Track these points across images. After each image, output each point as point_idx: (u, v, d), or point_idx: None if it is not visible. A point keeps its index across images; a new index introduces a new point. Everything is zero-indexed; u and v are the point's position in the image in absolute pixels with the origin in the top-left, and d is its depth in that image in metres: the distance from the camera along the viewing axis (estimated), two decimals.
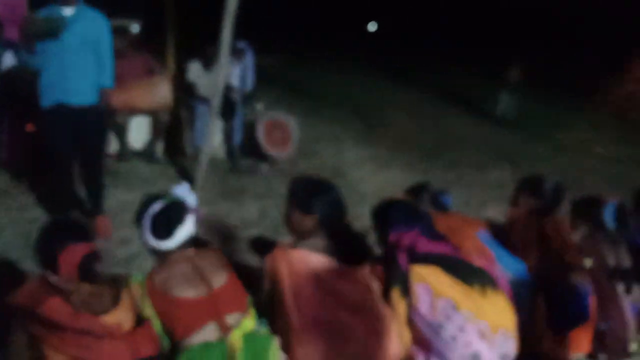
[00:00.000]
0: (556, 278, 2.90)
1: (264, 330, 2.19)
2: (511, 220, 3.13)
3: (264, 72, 6.79)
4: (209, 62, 5.46)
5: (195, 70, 5.57)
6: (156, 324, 2.10)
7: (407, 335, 2.25)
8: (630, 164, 7.31)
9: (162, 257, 2.22)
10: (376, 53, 13.99)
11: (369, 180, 5.68)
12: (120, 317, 2.05)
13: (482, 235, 2.83)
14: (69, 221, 2.39)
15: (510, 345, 2.24)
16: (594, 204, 3.28)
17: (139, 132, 5.40)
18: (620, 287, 3.06)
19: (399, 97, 9.81)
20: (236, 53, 5.65)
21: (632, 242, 3.22)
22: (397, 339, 2.23)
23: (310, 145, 6.38)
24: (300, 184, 2.45)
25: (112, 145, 5.17)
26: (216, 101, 4.62)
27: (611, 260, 3.08)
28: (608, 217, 3.22)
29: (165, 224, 2.18)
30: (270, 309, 2.28)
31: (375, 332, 2.18)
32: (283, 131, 5.88)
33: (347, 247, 2.31)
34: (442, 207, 3.06)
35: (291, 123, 5.93)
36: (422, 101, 9.74)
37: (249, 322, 2.16)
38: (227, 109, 5.48)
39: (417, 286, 2.23)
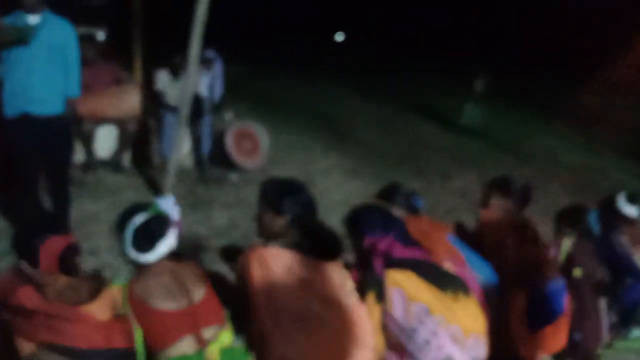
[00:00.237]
0: (531, 277, 2.97)
1: (240, 345, 2.19)
2: (484, 222, 3.18)
3: (233, 82, 6.78)
4: (177, 71, 5.44)
5: (163, 79, 5.54)
6: (137, 332, 2.08)
7: (381, 340, 2.28)
8: (594, 172, 7.54)
9: (141, 267, 2.20)
10: (344, 63, 14.10)
11: (337, 189, 5.72)
12: (94, 310, 2.03)
13: (452, 238, 2.89)
14: (49, 215, 2.39)
15: (481, 349, 2.29)
16: (579, 210, 3.36)
17: (105, 141, 5.33)
18: (603, 302, 3.14)
19: (366, 107, 9.91)
20: (205, 62, 5.63)
21: (605, 254, 3.29)
22: (371, 331, 2.24)
23: (280, 155, 6.39)
24: (272, 185, 2.47)
25: (78, 155, 5.09)
26: (185, 110, 4.60)
27: (598, 274, 3.15)
28: (593, 222, 3.30)
29: (148, 237, 2.16)
30: (242, 306, 2.28)
31: (348, 323, 2.19)
32: (252, 140, 5.88)
33: (319, 244, 2.33)
34: (413, 209, 3.09)
35: (260, 132, 5.93)
36: (390, 110, 9.85)
37: (226, 337, 2.16)
38: (196, 118, 5.46)
39: (392, 291, 2.27)
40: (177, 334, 2.06)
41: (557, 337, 2.90)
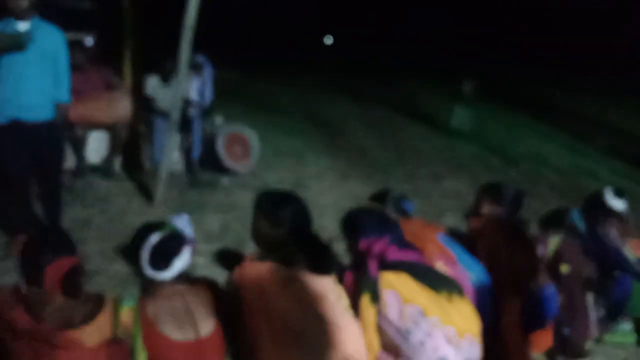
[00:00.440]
0: (524, 281, 3.00)
1: None
2: (476, 230, 3.20)
3: (223, 86, 6.79)
4: (167, 76, 5.44)
5: (153, 85, 5.54)
6: (142, 355, 2.08)
7: (376, 341, 2.30)
8: (582, 173, 7.61)
9: (152, 285, 2.20)
10: (333, 66, 14.15)
11: (328, 192, 5.74)
12: (84, 336, 2.03)
13: (442, 238, 2.92)
14: (56, 234, 2.37)
15: (476, 350, 2.31)
16: (562, 212, 3.40)
17: (96, 147, 5.32)
18: (590, 297, 3.17)
19: (356, 110, 9.95)
20: (195, 67, 5.64)
21: (594, 249, 3.33)
22: (364, 350, 2.26)
23: (271, 158, 6.41)
24: (267, 196, 2.48)
25: (69, 161, 5.07)
26: (175, 115, 4.62)
27: (585, 271, 3.17)
28: (577, 220, 3.33)
29: (164, 255, 2.17)
30: (233, 320, 2.29)
31: (342, 342, 2.21)
32: (243, 144, 5.90)
33: (315, 258, 2.35)
34: (404, 213, 3.12)
35: (251, 136, 5.95)
36: (380, 113, 9.90)
37: None
38: (186, 123, 5.47)
39: (386, 293, 2.28)
40: None
41: (546, 337, 2.95)
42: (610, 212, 3.53)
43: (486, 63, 12.30)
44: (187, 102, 5.42)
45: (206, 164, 5.80)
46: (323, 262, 2.34)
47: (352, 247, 2.60)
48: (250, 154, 5.90)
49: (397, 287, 2.27)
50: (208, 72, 6.06)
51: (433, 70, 13.86)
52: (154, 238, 2.19)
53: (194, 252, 2.38)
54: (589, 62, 12.69)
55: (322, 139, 7.76)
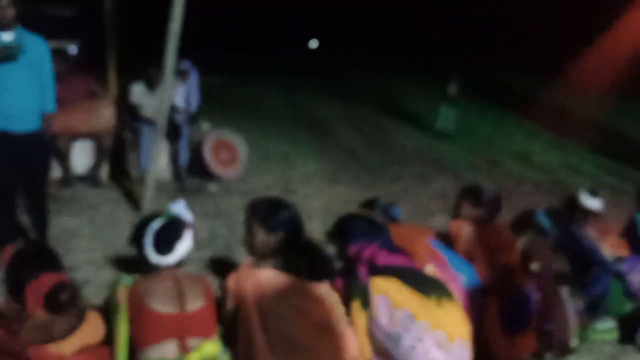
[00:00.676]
0: (504, 283, 3.04)
1: (225, 358, 2.21)
2: (456, 233, 3.24)
3: (209, 92, 6.79)
4: (152, 83, 5.43)
5: (139, 92, 5.52)
6: (124, 329, 2.14)
7: (367, 346, 2.31)
8: (564, 170, 7.69)
9: (153, 270, 2.29)
10: (319, 70, 14.18)
11: (317, 195, 5.75)
12: (64, 347, 2.04)
13: (432, 242, 2.94)
14: (40, 250, 2.38)
15: (466, 353, 2.32)
16: (528, 214, 3.47)
17: (82, 156, 5.29)
18: (565, 291, 3.19)
19: (343, 112, 9.98)
20: (180, 73, 5.64)
21: (570, 248, 3.39)
22: (357, 354, 2.28)
23: (258, 163, 6.41)
24: (261, 204, 2.50)
25: (55, 171, 5.04)
26: (161, 122, 4.61)
27: (556, 265, 3.21)
28: (542, 220, 3.40)
29: (167, 240, 2.27)
30: (231, 328, 2.30)
31: (338, 348, 2.23)
32: (230, 150, 5.89)
33: (310, 264, 2.37)
34: (392, 219, 3.16)
35: (238, 141, 5.95)
36: (366, 115, 9.93)
37: (210, 347, 2.19)
38: (172, 130, 5.45)
39: (377, 298, 2.30)
40: (161, 336, 2.12)
41: (532, 337, 2.98)
42: (587, 212, 3.62)
43: (471, 63, 12.38)
44: (173, 109, 5.41)
45: (194, 170, 5.78)
46: (320, 268, 2.37)
47: (342, 253, 2.62)
48: (238, 159, 5.90)
49: (387, 291, 2.29)
50: (194, 78, 6.05)
51: (418, 71, 13.94)
52: (156, 224, 2.29)
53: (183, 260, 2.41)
54: (571, 62, 12.85)
55: (309, 142, 7.78)
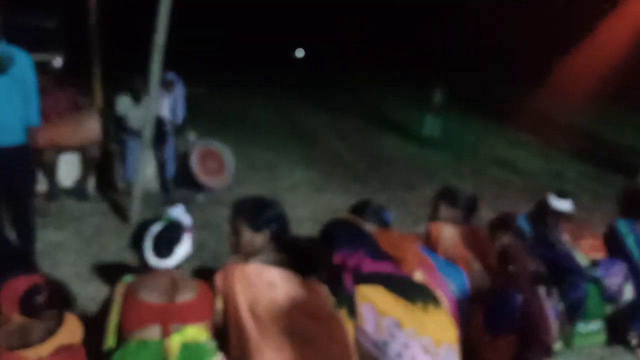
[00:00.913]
0: (489, 286, 3.07)
1: (211, 344, 2.22)
2: (436, 235, 3.28)
3: (194, 103, 6.80)
4: (138, 95, 5.42)
5: (124, 104, 5.51)
6: (114, 316, 2.19)
7: (355, 355, 2.32)
8: (547, 177, 7.79)
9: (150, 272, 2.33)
10: (305, 79, 14.23)
11: (304, 204, 5.77)
12: (41, 351, 2.03)
13: (422, 248, 2.97)
14: (13, 254, 2.37)
15: (453, 357, 2.35)
16: (508, 217, 3.50)
17: (68, 169, 5.26)
18: (542, 291, 3.22)
19: (329, 121, 10.03)
20: (165, 84, 5.64)
21: (544, 254, 3.42)
22: (353, 347, 2.28)
23: (245, 173, 6.42)
24: (246, 203, 2.51)
25: (41, 185, 5.02)
26: (147, 134, 4.61)
27: (532, 266, 3.25)
28: (522, 224, 3.44)
29: (166, 243, 2.30)
30: (223, 328, 2.31)
31: (336, 338, 2.24)
32: (217, 160, 5.89)
33: (297, 259, 2.39)
34: (384, 223, 3.18)
35: (225, 151, 5.95)
36: (352, 124, 9.99)
37: (193, 331, 2.20)
38: (159, 141, 5.45)
39: (362, 306, 2.31)
40: (145, 321, 2.16)
41: (514, 341, 3.00)
42: (557, 215, 3.65)
43: (454, 73, 12.52)
44: (159, 120, 5.41)
45: (180, 181, 5.78)
46: (308, 263, 2.38)
47: (327, 261, 2.63)
48: (225, 169, 5.90)
49: (372, 299, 2.30)
50: (179, 89, 6.06)
51: (403, 80, 14.05)
52: (156, 228, 2.32)
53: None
54: (552, 70, 13.05)
55: (296, 151, 7.80)
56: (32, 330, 2.07)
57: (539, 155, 9.01)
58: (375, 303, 2.30)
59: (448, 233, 3.23)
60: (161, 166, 5.65)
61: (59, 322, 2.13)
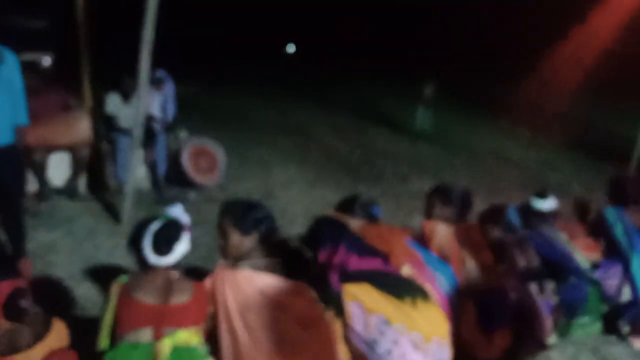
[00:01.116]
0: (482, 283, 3.06)
1: (202, 349, 2.22)
2: (429, 233, 3.27)
3: (185, 100, 6.76)
4: (127, 93, 5.39)
5: (114, 102, 5.48)
6: (109, 316, 2.20)
7: (344, 353, 2.31)
8: (540, 167, 7.81)
9: (148, 270, 2.33)
10: (296, 74, 14.20)
11: (298, 200, 5.76)
12: (32, 356, 2.03)
13: (410, 241, 2.96)
14: None
15: (445, 351, 2.34)
16: (498, 209, 3.49)
17: (59, 169, 5.22)
18: (534, 287, 3.20)
19: (321, 117, 10.01)
20: (155, 82, 5.61)
21: (542, 251, 3.41)
22: (343, 350, 2.28)
23: (238, 170, 6.40)
24: (234, 206, 2.50)
25: (32, 185, 4.98)
26: (137, 132, 4.58)
27: (522, 262, 3.22)
28: (512, 217, 3.43)
29: (165, 240, 2.30)
30: (213, 331, 2.30)
31: (326, 343, 2.23)
32: (209, 157, 5.86)
33: (286, 263, 2.38)
34: (372, 217, 3.16)
35: (217, 149, 5.92)
36: (344, 119, 9.98)
37: (185, 336, 2.20)
38: (150, 140, 5.42)
39: (350, 305, 2.29)
40: (138, 323, 2.16)
41: (507, 336, 3.00)
42: (543, 215, 3.64)
43: (443, 64, 12.52)
44: (150, 118, 5.38)
45: (172, 179, 5.75)
46: (297, 265, 2.38)
47: (313, 261, 2.62)
48: (217, 166, 5.88)
49: (359, 297, 2.29)
50: (169, 87, 6.03)
51: (395, 75, 14.04)
52: (155, 226, 2.33)
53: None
54: (540, 56, 13.08)
55: (288, 147, 7.78)
56: (20, 335, 2.08)
57: (531, 145, 9.03)
58: (363, 301, 2.29)
59: (442, 231, 3.22)
60: (152, 165, 5.62)
61: (46, 326, 2.13)
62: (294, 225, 4.68)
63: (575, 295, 3.39)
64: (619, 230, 3.63)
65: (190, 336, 2.20)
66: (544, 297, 3.22)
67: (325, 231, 2.66)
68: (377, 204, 3.41)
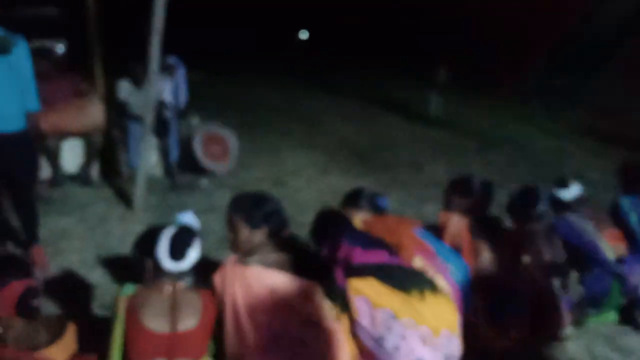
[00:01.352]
0: (496, 275, 3.03)
1: None
2: (444, 223, 3.23)
3: (197, 87, 6.75)
4: (139, 80, 5.39)
5: (125, 89, 5.49)
6: (118, 339, 2.17)
7: (352, 349, 2.29)
8: (558, 153, 7.71)
9: (156, 277, 2.30)
10: (307, 61, 14.13)
11: (308, 187, 5.75)
12: (53, 354, 2.06)
13: (419, 232, 2.92)
14: (8, 257, 2.38)
15: (455, 344, 2.30)
16: (528, 195, 3.39)
17: (72, 155, 5.26)
18: (557, 283, 3.15)
19: (332, 104, 9.95)
20: (167, 69, 5.59)
21: (569, 240, 3.35)
22: (349, 352, 2.27)
23: (249, 157, 6.39)
24: (243, 200, 2.47)
25: (45, 171, 5.01)
26: (149, 119, 4.58)
27: (547, 255, 3.16)
28: (542, 205, 3.33)
29: (181, 246, 2.28)
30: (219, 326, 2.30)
31: (327, 345, 2.22)
32: (221, 144, 5.87)
33: (296, 259, 2.36)
34: (379, 209, 3.12)
35: (228, 135, 5.92)
36: (355, 106, 9.91)
37: None
38: (161, 126, 5.43)
39: (356, 300, 2.26)
40: (151, 353, 2.15)
41: (522, 328, 2.96)
42: (569, 205, 3.56)
43: (455, 49, 12.36)
44: (161, 105, 5.38)
45: (185, 166, 5.76)
46: (307, 264, 2.36)
47: (319, 255, 2.60)
48: (229, 153, 5.88)
49: (365, 292, 2.25)
50: (181, 73, 6.00)
51: (408, 60, 13.90)
52: (170, 231, 2.31)
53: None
54: (555, 41, 12.85)
55: (299, 134, 7.75)
56: (38, 333, 2.11)
57: (546, 132, 8.91)
58: (369, 296, 2.25)
59: (455, 222, 3.18)
60: (165, 151, 5.64)
61: (61, 328, 2.16)
62: (304, 213, 4.65)
63: (598, 287, 3.33)
64: (634, 220, 3.56)
65: None
66: (566, 292, 3.17)
67: (326, 226, 2.63)
68: (383, 195, 3.37)
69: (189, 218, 2.46)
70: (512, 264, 3.10)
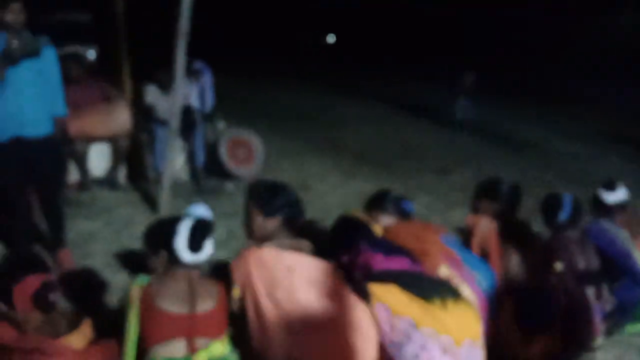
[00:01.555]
0: (525, 281, 2.95)
1: (233, 357, 2.21)
2: (471, 227, 3.17)
3: (223, 91, 6.78)
4: (165, 85, 5.42)
5: (152, 94, 5.53)
6: (133, 327, 2.17)
7: (375, 339, 2.25)
8: (586, 159, 7.54)
9: (170, 268, 2.30)
10: (334, 66, 14.12)
11: (333, 192, 5.71)
12: (73, 341, 2.08)
13: (446, 239, 2.86)
14: (24, 253, 2.42)
15: (477, 354, 2.24)
16: (550, 202, 3.30)
17: (99, 159, 5.31)
18: (591, 291, 3.06)
19: (357, 109, 9.91)
20: (193, 73, 5.63)
21: (602, 248, 3.26)
22: (373, 328, 2.21)
23: (274, 161, 6.38)
24: (259, 188, 2.47)
25: (73, 175, 5.08)
26: (174, 123, 4.60)
27: (581, 264, 3.08)
28: (565, 214, 3.22)
29: (200, 238, 2.28)
30: (241, 315, 2.28)
31: (351, 320, 2.18)
32: (247, 148, 5.88)
33: (316, 244, 2.35)
34: (405, 214, 3.07)
35: (254, 140, 5.93)
36: (381, 111, 9.86)
37: (218, 347, 2.20)
38: (188, 130, 5.45)
39: (376, 306, 2.22)
40: (169, 334, 2.14)
41: (554, 340, 2.86)
42: (612, 209, 3.47)
43: (483, 54, 12.22)
44: (188, 109, 5.40)
45: (210, 170, 5.78)
46: (324, 248, 2.34)
47: (337, 263, 2.55)
48: (254, 157, 5.88)
49: (385, 299, 2.21)
50: (207, 77, 6.05)
51: (435, 64, 13.79)
52: (187, 223, 2.30)
53: None
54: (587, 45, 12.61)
55: (325, 139, 7.72)
56: (57, 323, 2.13)
57: (576, 137, 8.72)
58: (389, 303, 2.20)
59: (483, 226, 3.11)
60: (191, 155, 5.66)
61: (78, 319, 2.19)
62: (329, 217, 4.61)
63: (629, 298, 3.22)
64: None
65: (223, 347, 2.22)
66: (600, 302, 3.07)
67: (347, 231, 2.60)
68: (410, 199, 3.31)
69: (202, 210, 2.48)
70: (544, 270, 3.01)
